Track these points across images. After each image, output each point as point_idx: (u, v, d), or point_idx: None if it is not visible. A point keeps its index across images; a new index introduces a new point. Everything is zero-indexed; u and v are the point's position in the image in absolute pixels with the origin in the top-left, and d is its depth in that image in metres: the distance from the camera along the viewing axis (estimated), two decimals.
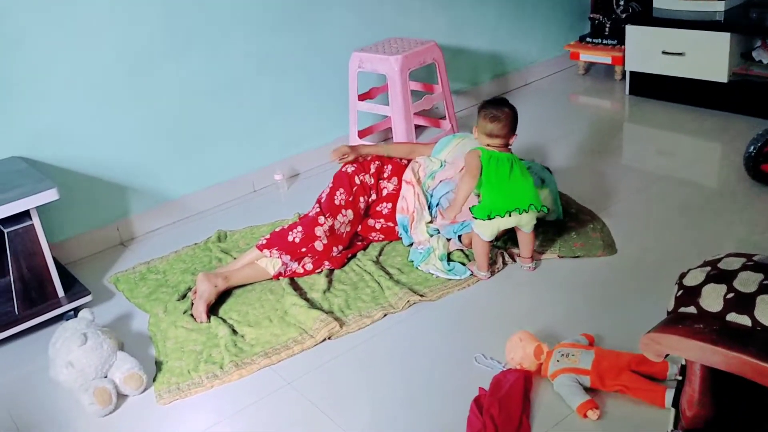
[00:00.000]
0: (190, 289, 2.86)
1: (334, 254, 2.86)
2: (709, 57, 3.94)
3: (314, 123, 3.88)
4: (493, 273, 2.74)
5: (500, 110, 2.58)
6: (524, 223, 2.63)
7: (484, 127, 2.59)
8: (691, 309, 1.32)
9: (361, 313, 2.60)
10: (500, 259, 2.79)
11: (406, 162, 3.10)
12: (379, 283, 2.75)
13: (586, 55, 4.74)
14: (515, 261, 2.81)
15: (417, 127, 3.99)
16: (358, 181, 2.94)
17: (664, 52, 4.11)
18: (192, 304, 2.72)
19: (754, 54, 3.89)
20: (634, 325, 2.34)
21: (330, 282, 2.81)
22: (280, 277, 2.85)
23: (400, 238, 3.00)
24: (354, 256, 2.98)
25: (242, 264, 2.84)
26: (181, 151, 3.47)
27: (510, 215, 2.57)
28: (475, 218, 2.61)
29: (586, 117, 4.29)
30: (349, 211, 2.90)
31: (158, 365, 2.46)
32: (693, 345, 1.24)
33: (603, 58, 4.66)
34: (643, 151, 3.77)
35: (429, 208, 2.93)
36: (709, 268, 1.35)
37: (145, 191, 3.41)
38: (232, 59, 3.51)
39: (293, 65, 3.71)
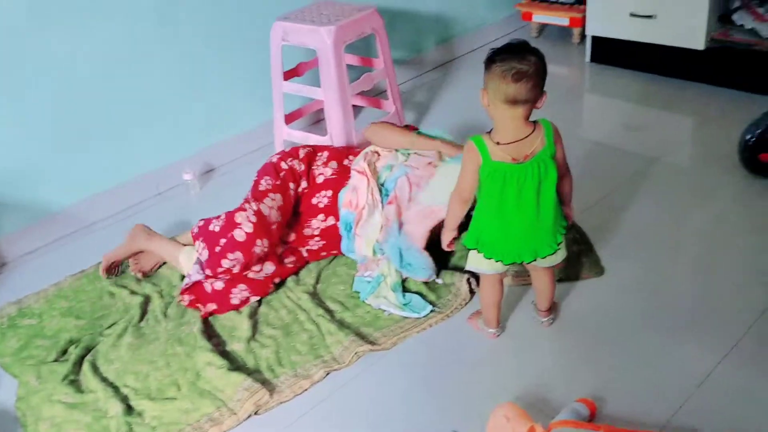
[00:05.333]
0: (72, 342, 2.23)
1: (258, 250, 2.25)
2: (684, 20, 3.44)
3: (230, 107, 3.21)
4: (496, 325, 2.10)
5: (525, 60, 1.70)
6: (541, 263, 1.95)
7: (502, 92, 1.71)
8: None
9: (296, 371, 2.03)
10: (465, 287, 2.26)
11: (346, 149, 2.56)
12: (318, 325, 2.18)
13: (541, 16, 4.18)
14: None
15: (353, 107, 3.37)
16: (285, 166, 2.47)
17: (632, 15, 3.59)
18: (75, 362, 2.11)
19: (734, 17, 3.41)
20: (640, 375, 1.89)
21: (255, 325, 2.22)
22: (185, 297, 2.28)
23: (342, 250, 2.46)
24: (283, 283, 2.39)
25: (177, 241, 2.53)
26: (62, 151, 2.78)
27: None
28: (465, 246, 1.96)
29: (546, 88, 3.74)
30: (278, 195, 2.38)
31: None
32: None
33: (560, 19, 4.11)
34: (609, 126, 3.29)
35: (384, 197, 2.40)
36: None
37: (17, 204, 2.71)
38: (123, 30, 2.80)
39: (202, 36, 3.02)
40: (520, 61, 1.70)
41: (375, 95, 3.52)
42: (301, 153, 2.53)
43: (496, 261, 1.90)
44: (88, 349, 2.19)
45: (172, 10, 2.90)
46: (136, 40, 2.84)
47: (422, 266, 2.26)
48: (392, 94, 3.15)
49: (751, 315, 2.05)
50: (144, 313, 2.33)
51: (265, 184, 2.39)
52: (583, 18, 4.00)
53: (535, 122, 1.81)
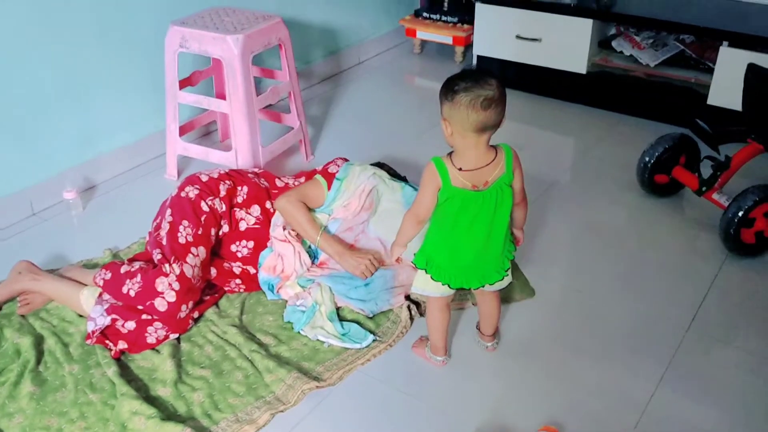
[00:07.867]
0: None
1: (183, 315, 2.05)
2: (567, 45, 3.60)
3: (115, 116, 2.90)
4: (445, 353, 2.03)
5: (488, 85, 1.63)
6: (488, 287, 1.91)
7: (472, 121, 1.64)
8: None
9: (237, 415, 1.83)
10: (405, 313, 2.17)
11: (265, 184, 2.34)
12: (252, 362, 1.99)
13: (425, 33, 4.20)
14: (422, 315, 2.21)
15: None
16: (206, 208, 2.17)
17: (518, 37, 3.70)
18: None
19: (614, 44, 3.62)
20: (589, 401, 1.91)
21: (179, 365, 1.99)
22: (91, 339, 2.01)
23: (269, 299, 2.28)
24: (201, 316, 2.18)
25: (71, 277, 2.22)
26: None
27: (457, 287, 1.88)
28: (415, 266, 1.89)
29: (426, 103, 3.73)
30: (201, 249, 2.13)
31: None
32: None
33: (444, 37, 4.16)
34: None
35: (313, 259, 2.28)
36: None
37: None
38: None
39: (84, 35, 2.70)
40: (483, 87, 1.64)
41: (268, 107, 3.34)
42: (222, 190, 2.23)
43: (443, 284, 1.85)
44: None
45: (58, 6, 2.56)
46: (5, 34, 2.48)
47: (376, 296, 2.17)
48: (296, 109, 2.99)
49: (679, 328, 2.15)
50: (40, 354, 2.01)
51: (185, 233, 2.10)
52: (467, 37, 4.08)
53: (496, 147, 1.77)
